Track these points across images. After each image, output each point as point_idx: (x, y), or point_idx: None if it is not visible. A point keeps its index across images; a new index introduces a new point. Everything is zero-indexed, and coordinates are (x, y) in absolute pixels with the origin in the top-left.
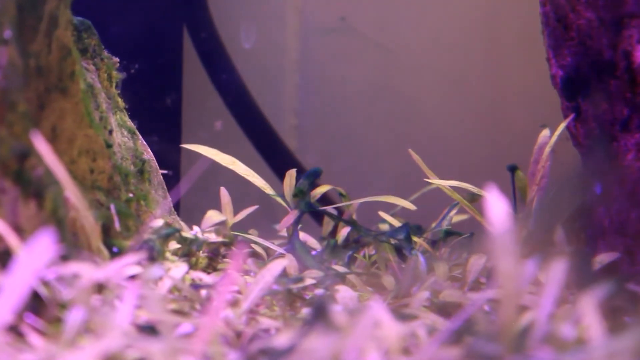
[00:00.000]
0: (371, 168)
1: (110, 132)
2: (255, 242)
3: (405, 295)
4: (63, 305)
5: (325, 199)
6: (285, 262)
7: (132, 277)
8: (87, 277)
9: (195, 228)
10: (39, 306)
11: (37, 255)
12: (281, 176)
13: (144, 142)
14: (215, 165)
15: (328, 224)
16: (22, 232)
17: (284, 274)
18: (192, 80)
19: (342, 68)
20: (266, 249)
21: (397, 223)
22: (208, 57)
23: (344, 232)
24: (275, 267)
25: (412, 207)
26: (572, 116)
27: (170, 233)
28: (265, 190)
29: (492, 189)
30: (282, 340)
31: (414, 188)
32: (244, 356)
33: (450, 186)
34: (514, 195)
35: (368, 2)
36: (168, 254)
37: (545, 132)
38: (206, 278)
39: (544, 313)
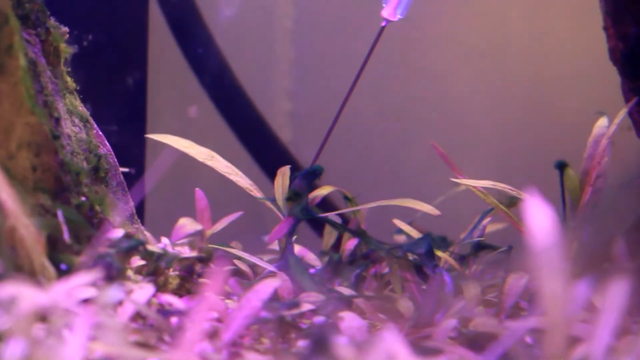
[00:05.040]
0: (384, 165)
1: (58, 120)
2: (239, 258)
3: (427, 324)
4: None
5: (326, 204)
6: (276, 283)
7: (85, 302)
8: (29, 302)
9: (164, 240)
10: None
11: None
12: (272, 175)
13: (100, 133)
14: (188, 161)
15: (330, 235)
16: None
17: (275, 297)
18: (159, 55)
19: (347, 40)
20: (253, 266)
21: (416, 234)
22: (180, 25)
23: (350, 245)
24: (264, 288)
25: (435, 212)
26: (635, 100)
27: (132, 246)
28: (252, 193)
29: (535, 191)
30: None
31: (437, 190)
32: None
33: (483, 187)
34: (563, 198)
35: None
36: (130, 273)
37: (602, 121)
38: (177, 302)
39: (601, 346)
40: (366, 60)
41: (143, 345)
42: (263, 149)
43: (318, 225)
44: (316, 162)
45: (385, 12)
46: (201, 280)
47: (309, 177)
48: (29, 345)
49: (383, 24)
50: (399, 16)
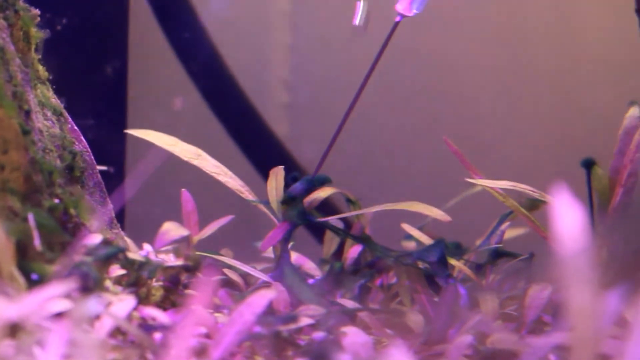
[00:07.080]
0: (391, 164)
1: (28, 113)
2: (230, 267)
3: (440, 341)
4: None
5: (327, 207)
6: (271, 295)
7: (59, 315)
8: None
9: (147, 247)
10: None
11: None
12: (266, 174)
13: (75, 128)
14: (173, 160)
15: (331, 242)
16: None
17: (269, 310)
18: (141, 40)
19: (350, 25)
20: (245, 275)
21: (427, 240)
22: (163, 8)
23: (353, 252)
24: (257, 301)
25: (447, 218)
26: None
27: (111, 254)
28: (243, 195)
29: (560, 191)
30: None
31: (451, 191)
32: None
33: (501, 188)
34: (591, 200)
35: None
36: (108, 283)
37: (634, 111)
38: (161, 316)
39: None
40: (378, 58)
41: None
42: (256, 145)
43: (318, 231)
44: (319, 165)
45: (400, 6)
46: (188, 291)
47: (309, 183)
48: None
49: (397, 19)
50: (414, 11)
